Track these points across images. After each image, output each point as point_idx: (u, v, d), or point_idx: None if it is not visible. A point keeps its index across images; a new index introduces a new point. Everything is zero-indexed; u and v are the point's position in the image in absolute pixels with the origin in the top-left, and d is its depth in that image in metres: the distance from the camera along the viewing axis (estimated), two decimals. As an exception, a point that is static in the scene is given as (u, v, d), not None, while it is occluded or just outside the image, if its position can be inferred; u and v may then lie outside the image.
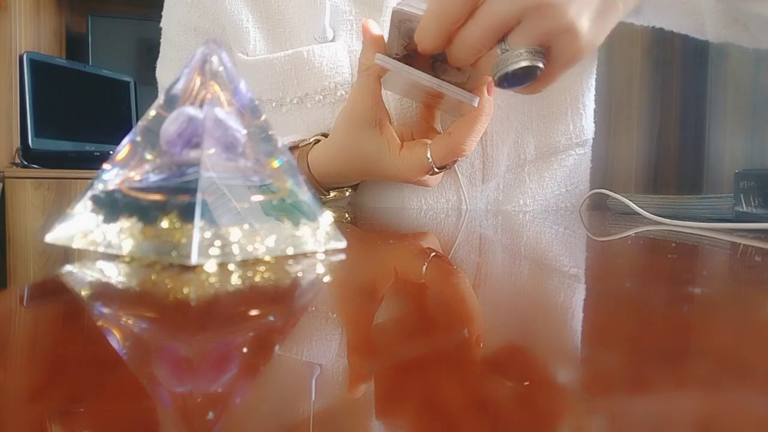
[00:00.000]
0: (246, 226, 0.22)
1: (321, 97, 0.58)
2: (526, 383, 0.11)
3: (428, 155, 0.48)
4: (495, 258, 0.31)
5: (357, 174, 0.55)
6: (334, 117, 0.56)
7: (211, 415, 0.09)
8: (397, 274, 0.24)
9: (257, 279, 0.20)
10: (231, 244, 0.21)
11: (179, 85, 0.24)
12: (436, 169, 0.49)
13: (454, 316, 0.17)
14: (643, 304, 0.19)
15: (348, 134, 0.51)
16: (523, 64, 0.38)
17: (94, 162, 1.63)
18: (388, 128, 0.50)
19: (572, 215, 0.61)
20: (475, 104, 0.45)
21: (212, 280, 0.19)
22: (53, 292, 0.19)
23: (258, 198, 0.24)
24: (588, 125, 0.64)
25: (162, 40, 0.69)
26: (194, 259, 0.20)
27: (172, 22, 0.67)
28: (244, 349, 0.13)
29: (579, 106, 0.62)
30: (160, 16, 0.68)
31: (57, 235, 0.23)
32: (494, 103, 0.56)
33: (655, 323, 0.16)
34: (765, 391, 0.11)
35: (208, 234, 0.21)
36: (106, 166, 0.24)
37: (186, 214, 0.21)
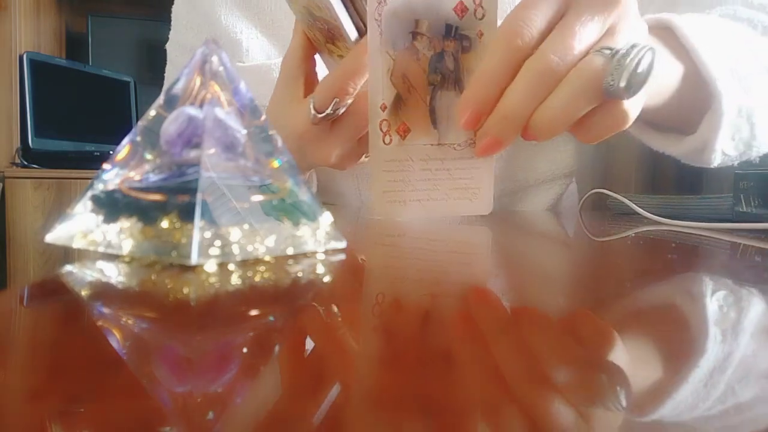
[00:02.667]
0: (246, 226, 0.22)
1: None
2: (521, 383, 0.11)
3: (311, 100, 0.43)
4: (494, 257, 0.31)
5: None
6: None
7: (211, 415, 0.09)
8: (397, 273, 0.24)
9: (257, 279, 0.20)
10: (231, 244, 0.21)
11: (179, 85, 0.24)
12: (318, 115, 0.43)
13: (453, 313, 0.17)
14: (643, 304, 0.19)
15: (271, 98, 0.48)
16: (650, 54, 0.32)
17: (94, 162, 1.63)
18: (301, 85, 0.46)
19: (572, 215, 0.61)
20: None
21: (212, 280, 0.19)
22: (53, 292, 0.19)
23: (258, 198, 0.24)
24: (572, 156, 0.65)
25: (167, 64, 0.71)
26: (194, 259, 0.20)
27: (173, 44, 0.70)
28: (244, 349, 0.13)
29: (565, 138, 0.63)
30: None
31: (57, 235, 0.23)
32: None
33: (654, 323, 0.16)
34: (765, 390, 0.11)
35: (208, 234, 0.21)
36: (106, 166, 0.24)
37: (186, 214, 0.21)
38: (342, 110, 0.43)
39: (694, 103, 0.46)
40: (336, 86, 0.41)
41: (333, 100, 0.42)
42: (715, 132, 0.45)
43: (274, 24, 0.61)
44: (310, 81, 0.47)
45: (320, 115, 0.43)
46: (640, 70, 0.32)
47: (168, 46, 0.70)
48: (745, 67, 0.46)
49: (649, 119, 0.51)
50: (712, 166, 0.48)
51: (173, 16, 0.69)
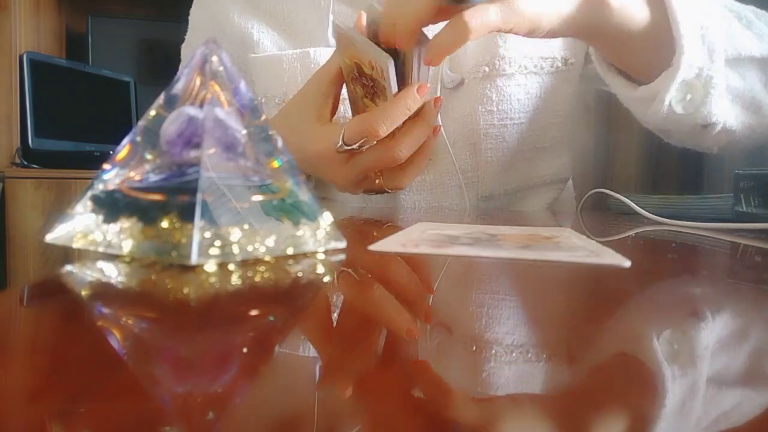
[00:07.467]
0: (246, 226, 0.22)
1: None
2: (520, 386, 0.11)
3: (342, 131, 0.47)
4: (494, 257, 0.31)
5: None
6: None
7: (211, 415, 0.09)
8: (396, 273, 0.24)
9: (257, 279, 0.20)
10: (231, 244, 0.21)
11: (179, 85, 0.24)
12: (345, 146, 0.47)
13: (451, 314, 0.17)
14: (643, 304, 0.19)
15: (292, 103, 0.52)
16: None
17: (94, 162, 1.63)
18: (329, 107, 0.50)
19: (572, 215, 0.61)
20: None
21: (212, 280, 0.19)
22: (53, 292, 0.19)
23: (258, 198, 0.24)
24: (569, 163, 0.66)
25: (181, 66, 0.72)
26: (194, 259, 0.20)
27: (188, 46, 0.72)
28: (244, 349, 0.13)
29: (564, 145, 0.65)
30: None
31: (57, 235, 0.23)
32: (493, 131, 0.59)
33: (654, 323, 0.16)
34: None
35: (208, 234, 0.21)
36: (106, 166, 0.24)
37: (186, 214, 0.21)
38: (366, 147, 0.47)
39: (660, 57, 0.47)
40: (371, 127, 0.45)
41: (363, 138, 0.46)
42: (668, 84, 0.47)
43: (285, 20, 0.64)
44: (335, 104, 0.51)
45: (347, 147, 0.47)
46: None
47: (182, 48, 0.72)
48: (720, 43, 0.47)
49: (613, 60, 0.53)
50: (654, 118, 0.50)
51: (190, 19, 0.71)
